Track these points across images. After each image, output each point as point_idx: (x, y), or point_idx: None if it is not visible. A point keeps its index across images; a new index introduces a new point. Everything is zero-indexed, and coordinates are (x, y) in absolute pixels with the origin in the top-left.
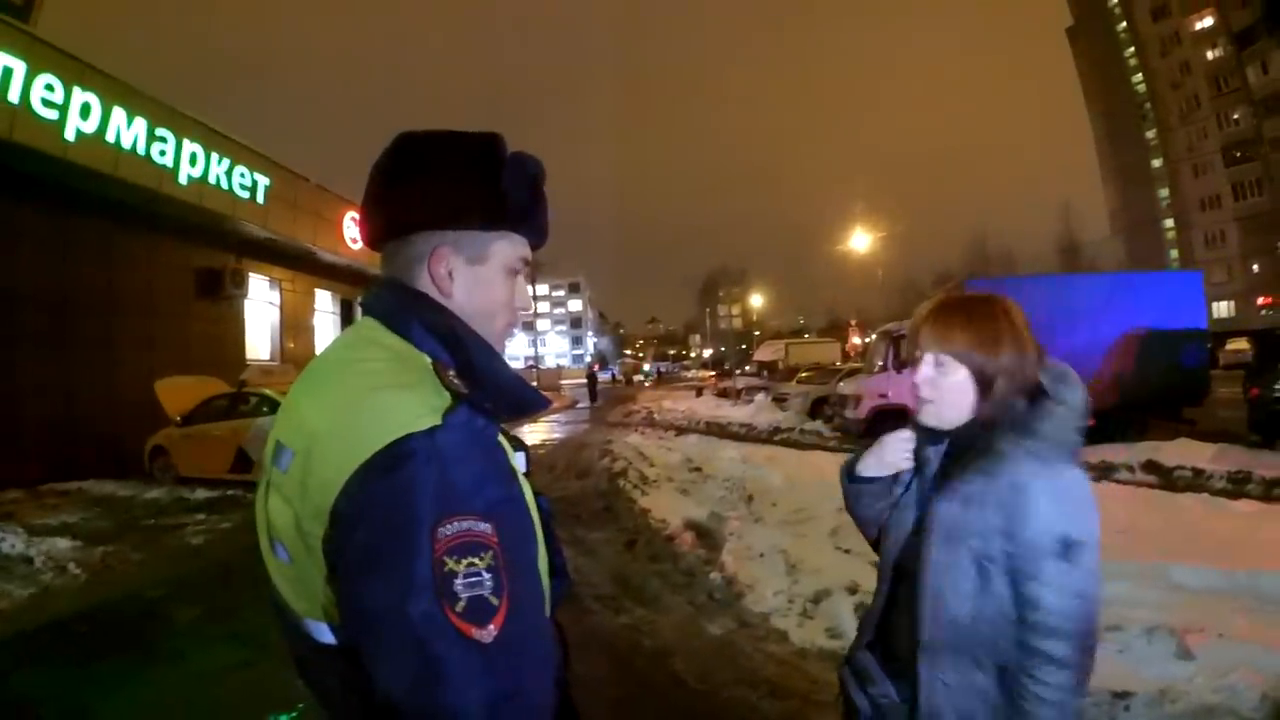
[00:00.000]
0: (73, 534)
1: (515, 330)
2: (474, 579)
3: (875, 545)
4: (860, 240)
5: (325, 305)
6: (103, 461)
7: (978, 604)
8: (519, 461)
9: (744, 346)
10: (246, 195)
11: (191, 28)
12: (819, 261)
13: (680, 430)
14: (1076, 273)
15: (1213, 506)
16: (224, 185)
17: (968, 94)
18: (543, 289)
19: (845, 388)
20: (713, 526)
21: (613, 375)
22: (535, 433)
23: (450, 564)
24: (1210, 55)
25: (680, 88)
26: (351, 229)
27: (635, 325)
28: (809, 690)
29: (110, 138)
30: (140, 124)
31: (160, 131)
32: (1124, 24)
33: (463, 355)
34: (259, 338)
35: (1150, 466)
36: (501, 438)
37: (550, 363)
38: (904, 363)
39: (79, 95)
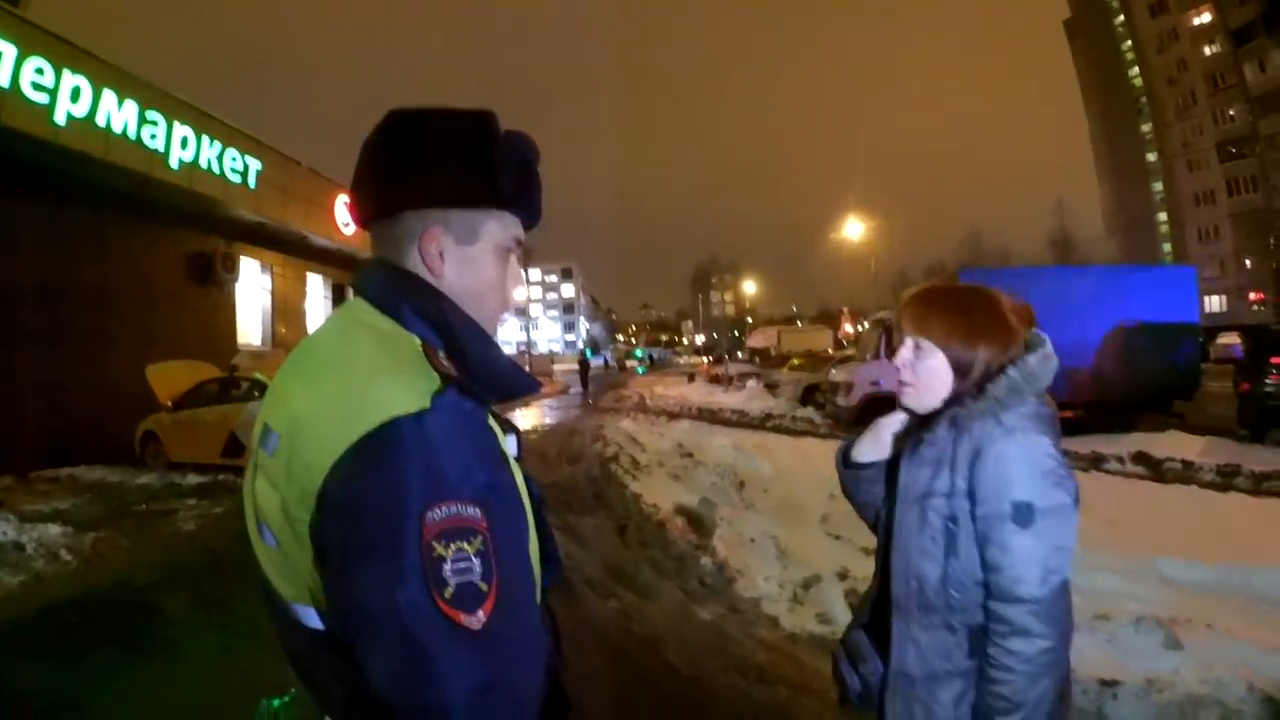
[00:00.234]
0: (64, 520)
1: (509, 313)
2: (463, 564)
3: (874, 528)
4: (854, 229)
5: (317, 290)
6: (93, 447)
7: (947, 566)
8: (510, 445)
9: (736, 333)
10: (238, 179)
11: (188, 25)
12: (814, 259)
13: (672, 416)
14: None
15: (1201, 499)
16: (215, 169)
17: (966, 94)
18: (535, 274)
19: (837, 375)
20: (704, 513)
21: (605, 361)
22: (526, 418)
23: (439, 549)
24: (1207, 52)
25: (680, 87)
26: (343, 213)
27: (628, 311)
28: (799, 676)
29: (101, 121)
30: (131, 107)
31: (151, 114)
32: (1121, 18)
33: (452, 337)
34: (250, 323)
35: (1140, 458)
36: (492, 421)
37: (543, 348)
38: (894, 350)
39: (69, 79)
